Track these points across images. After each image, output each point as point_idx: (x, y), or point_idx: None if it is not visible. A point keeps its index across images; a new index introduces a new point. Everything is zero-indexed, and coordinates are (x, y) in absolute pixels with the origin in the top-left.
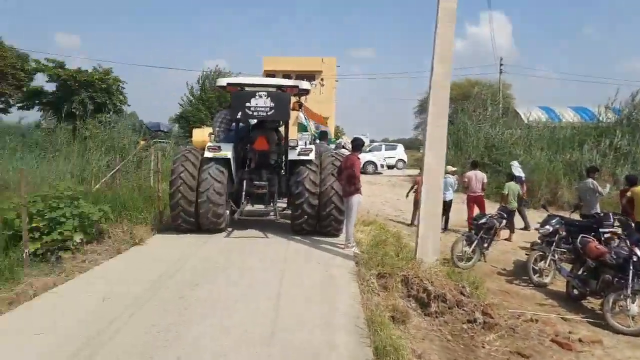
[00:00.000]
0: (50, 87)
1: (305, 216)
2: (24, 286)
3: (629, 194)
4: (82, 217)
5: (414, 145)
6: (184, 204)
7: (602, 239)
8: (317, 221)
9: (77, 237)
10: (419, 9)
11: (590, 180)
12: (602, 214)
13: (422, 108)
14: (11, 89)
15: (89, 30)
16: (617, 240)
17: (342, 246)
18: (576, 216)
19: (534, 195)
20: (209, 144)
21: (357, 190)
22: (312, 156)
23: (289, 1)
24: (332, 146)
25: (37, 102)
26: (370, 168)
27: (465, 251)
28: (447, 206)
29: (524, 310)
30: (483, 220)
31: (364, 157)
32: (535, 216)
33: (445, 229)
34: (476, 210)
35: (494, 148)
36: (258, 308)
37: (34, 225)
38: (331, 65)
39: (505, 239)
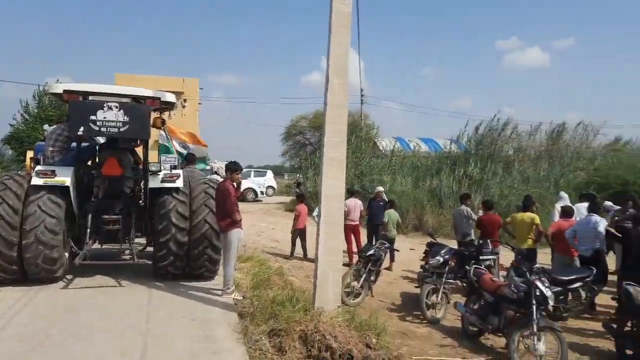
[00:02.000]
0: None
1: (172, 257)
2: None
3: (508, 219)
4: None
5: (280, 172)
6: (1, 248)
7: (483, 266)
8: (187, 262)
9: None
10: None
11: (464, 207)
12: (480, 241)
13: (289, 134)
14: None
15: None
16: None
17: (220, 292)
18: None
19: (402, 221)
20: (39, 167)
21: (236, 224)
22: (179, 183)
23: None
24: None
25: None
26: (250, 195)
27: (354, 286)
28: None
29: (430, 358)
30: (371, 252)
31: (243, 183)
32: (405, 241)
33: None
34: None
35: (362, 175)
36: None
37: None
38: (193, 86)
39: (386, 268)
